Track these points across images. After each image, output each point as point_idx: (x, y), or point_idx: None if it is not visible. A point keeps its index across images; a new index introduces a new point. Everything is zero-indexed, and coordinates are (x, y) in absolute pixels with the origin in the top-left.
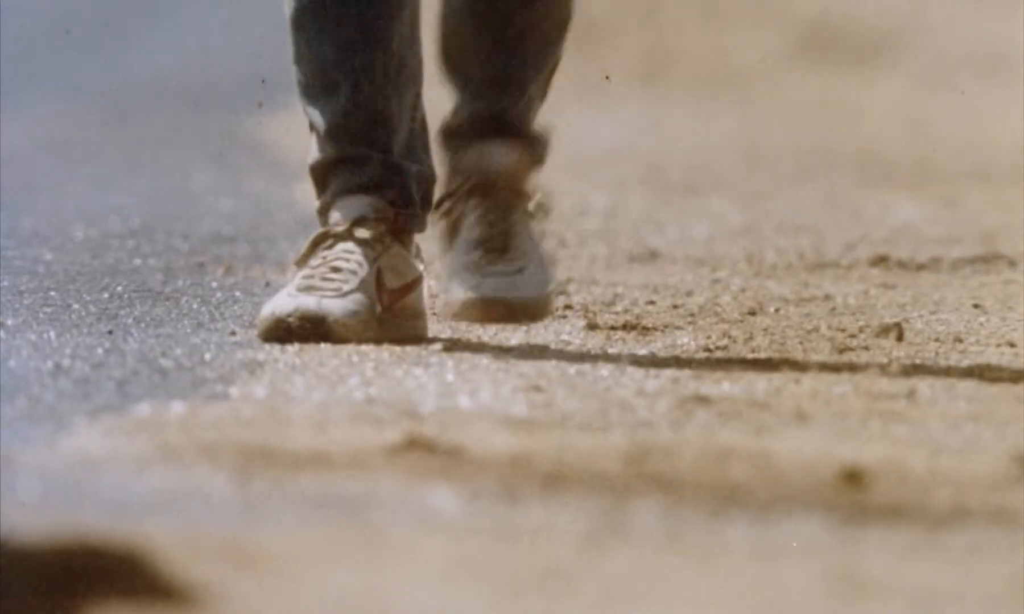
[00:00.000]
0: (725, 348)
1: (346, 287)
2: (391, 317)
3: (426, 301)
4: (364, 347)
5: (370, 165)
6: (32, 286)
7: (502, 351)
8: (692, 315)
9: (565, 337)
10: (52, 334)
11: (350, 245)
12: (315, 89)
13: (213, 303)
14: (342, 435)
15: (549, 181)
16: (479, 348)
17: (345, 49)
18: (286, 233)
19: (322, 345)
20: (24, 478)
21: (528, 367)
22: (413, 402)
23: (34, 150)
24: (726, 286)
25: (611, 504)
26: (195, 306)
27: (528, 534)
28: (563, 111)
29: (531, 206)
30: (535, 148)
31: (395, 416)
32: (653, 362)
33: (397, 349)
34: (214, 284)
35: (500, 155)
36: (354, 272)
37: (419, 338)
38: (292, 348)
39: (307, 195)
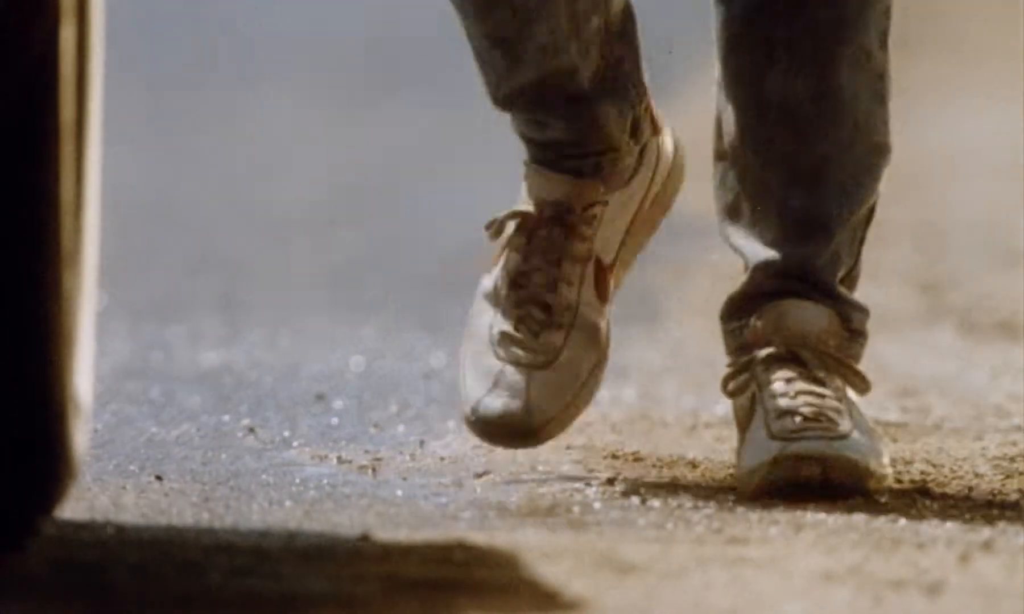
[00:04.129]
0: None
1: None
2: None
3: None
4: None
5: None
6: (403, 287)
7: (873, 355)
8: None
9: (936, 341)
10: (423, 337)
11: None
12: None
13: None
14: (708, 441)
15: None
16: None
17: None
18: None
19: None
20: (394, 481)
21: (900, 372)
22: None
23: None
24: None
25: (983, 512)
26: None
27: (901, 543)
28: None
29: (856, 390)
30: (851, 314)
31: None
32: None
33: None
34: None
35: (806, 315)
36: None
37: None
38: (658, 354)
39: None
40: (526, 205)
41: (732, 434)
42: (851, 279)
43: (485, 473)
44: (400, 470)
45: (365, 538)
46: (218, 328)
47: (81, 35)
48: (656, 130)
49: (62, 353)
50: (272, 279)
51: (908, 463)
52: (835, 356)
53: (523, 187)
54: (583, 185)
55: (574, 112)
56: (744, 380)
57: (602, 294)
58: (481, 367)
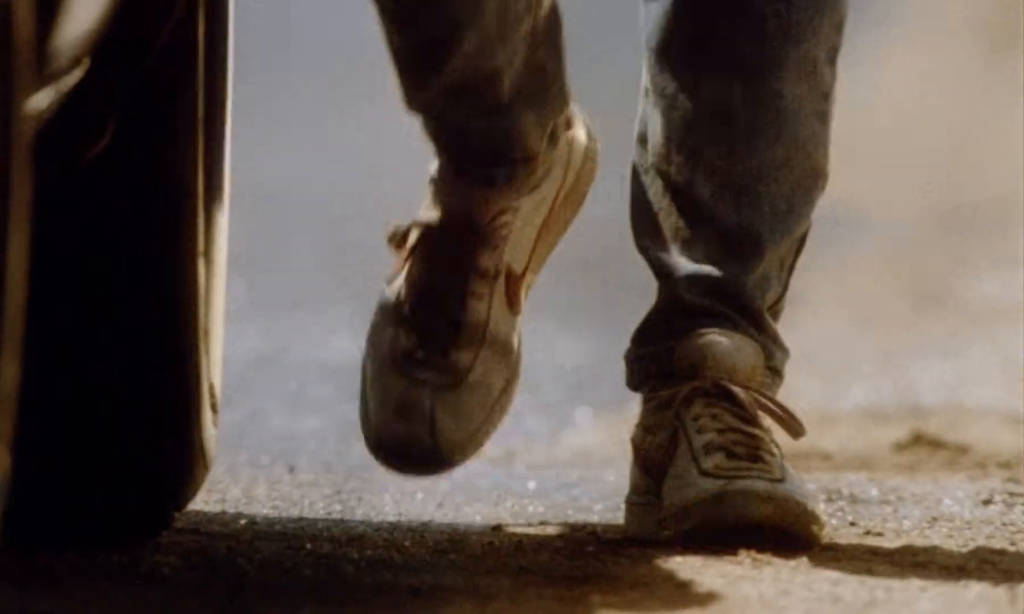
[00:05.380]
0: None
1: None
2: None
3: None
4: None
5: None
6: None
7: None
8: None
9: None
10: (556, 328)
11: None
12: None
13: None
14: (847, 433)
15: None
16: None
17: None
18: None
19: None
20: (526, 473)
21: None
22: (917, 399)
23: None
24: None
25: None
26: None
27: None
28: None
29: (790, 433)
30: (774, 352)
31: (900, 413)
32: None
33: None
34: None
35: (734, 347)
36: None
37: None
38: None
39: None
40: (430, 213)
41: (868, 426)
42: (776, 311)
43: (617, 464)
44: (532, 462)
45: (497, 530)
46: (351, 319)
47: (212, 26)
48: (569, 125)
49: (195, 346)
50: None
51: None
52: (764, 394)
53: (428, 192)
54: (494, 193)
55: (492, 119)
56: (663, 416)
57: (513, 305)
58: (383, 388)
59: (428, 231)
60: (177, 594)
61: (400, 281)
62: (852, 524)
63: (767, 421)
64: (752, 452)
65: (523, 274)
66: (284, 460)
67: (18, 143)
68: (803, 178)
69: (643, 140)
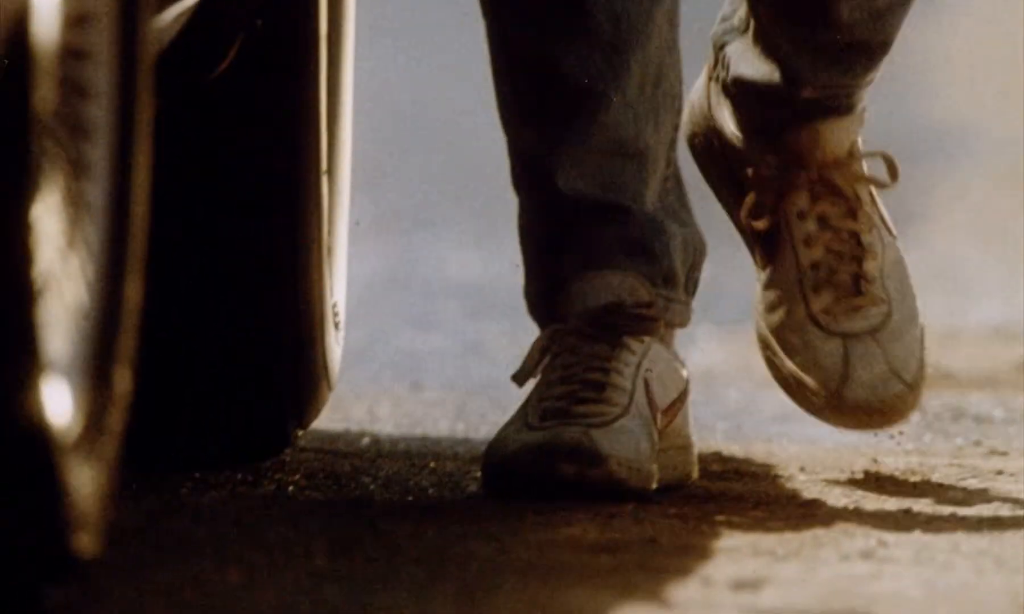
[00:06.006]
0: None
1: (615, 411)
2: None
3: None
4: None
5: (622, 220)
6: None
7: None
8: None
9: None
10: None
11: (603, 348)
12: (529, 103)
13: None
14: (972, 352)
15: None
16: None
17: (579, 49)
18: None
19: None
20: None
21: None
22: None
23: None
24: None
25: None
26: None
27: None
28: None
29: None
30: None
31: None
32: None
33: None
34: None
35: (837, 134)
36: (622, 388)
37: (686, 476)
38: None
39: None
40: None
41: (993, 344)
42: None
43: (739, 383)
44: None
45: None
46: (475, 236)
47: None
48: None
49: (318, 264)
50: None
51: None
52: (861, 177)
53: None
54: (637, 281)
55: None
56: (756, 207)
57: (654, 413)
58: (521, 440)
59: (563, 333)
60: (301, 512)
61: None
62: (977, 443)
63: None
64: (857, 267)
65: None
66: (408, 378)
67: (142, 65)
68: None
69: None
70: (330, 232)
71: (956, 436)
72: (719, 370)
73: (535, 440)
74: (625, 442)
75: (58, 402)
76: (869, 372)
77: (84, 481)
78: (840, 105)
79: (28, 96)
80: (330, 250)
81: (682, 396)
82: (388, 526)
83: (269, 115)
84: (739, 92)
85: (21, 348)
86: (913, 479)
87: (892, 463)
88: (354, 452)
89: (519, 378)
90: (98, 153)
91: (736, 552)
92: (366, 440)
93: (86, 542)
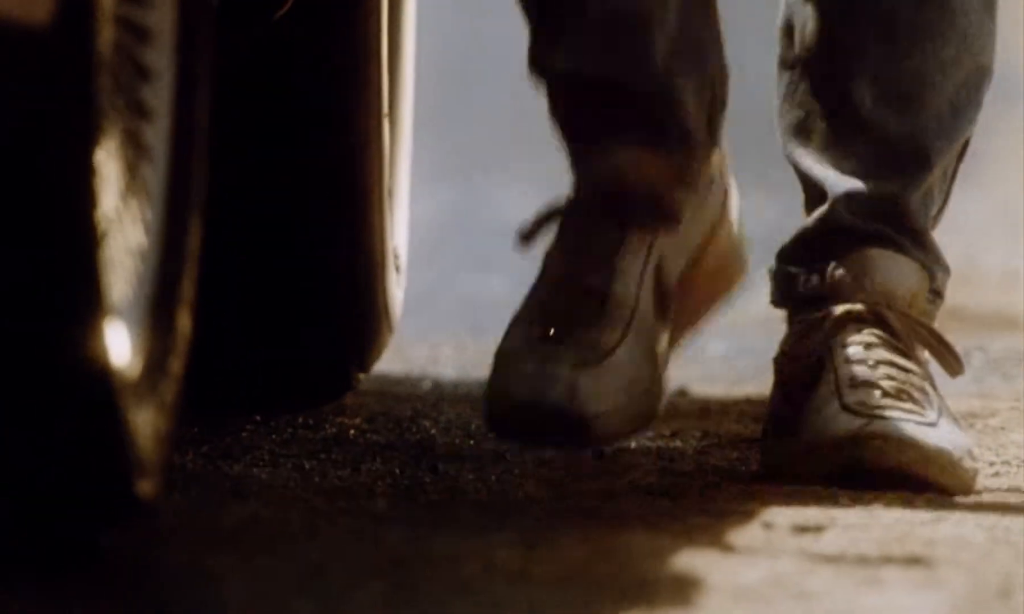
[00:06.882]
0: None
1: (612, 340)
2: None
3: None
4: None
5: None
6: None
7: None
8: None
9: None
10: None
11: (610, 237)
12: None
13: None
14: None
15: None
16: None
17: None
18: None
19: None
20: (711, 337)
21: None
22: None
23: None
24: None
25: None
26: None
27: None
28: None
29: (947, 370)
30: (935, 272)
31: None
32: None
33: None
34: None
35: (896, 268)
36: (623, 301)
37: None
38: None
39: None
40: (573, 192)
41: None
42: (936, 221)
43: None
44: (716, 326)
45: (683, 394)
46: (537, 178)
47: None
48: (725, 194)
49: (379, 207)
50: None
51: None
52: (925, 324)
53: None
54: (655, 158)
55: (646, 81)
56: (811, 340)
57: (663, 313)
58: (516, 370)
59: (573, 208)
60: (362, 455)
61: (538, 272)
62: None
63: (925, 354)
64: (902, 389)
65: (673, 289)
66: (469, 322)
67: (203, 7)
68: (970, 77)
69: (788, 32)
70: (391, 175)
71: (1017, 379)
72: (780, 316)
73: (526, 395)
74: (615, 387)
75: (119, 345)
76: None
77: (145, 424)
78: None
79: (90, 38)
80: (391, 193)
81: (714, 228)
82: (449, 470)
83: (330, 57)
84: None
85: (83, 291)
86: (975, 422)
87: (953, 406)
88: (415, 396)
89: (525, 238)
90: (159, 96)
91: (797, 496)
92: (427, 384)
93: (147, 485)
